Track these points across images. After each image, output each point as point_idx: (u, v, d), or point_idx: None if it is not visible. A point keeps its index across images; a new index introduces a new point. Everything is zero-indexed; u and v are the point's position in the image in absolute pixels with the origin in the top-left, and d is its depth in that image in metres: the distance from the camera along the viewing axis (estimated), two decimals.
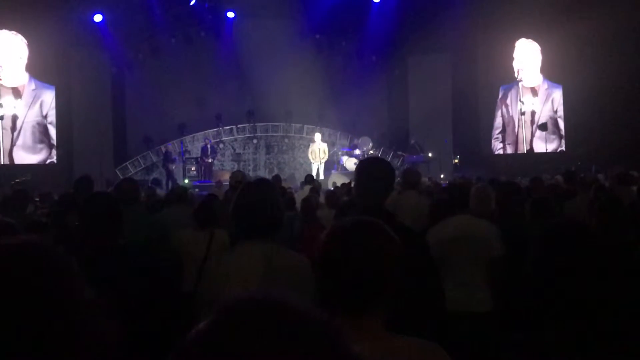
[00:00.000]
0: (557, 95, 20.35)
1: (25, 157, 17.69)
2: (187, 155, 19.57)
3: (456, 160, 19.92)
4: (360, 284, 1.69)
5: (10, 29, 17.30)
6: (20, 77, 17.61)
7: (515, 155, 20.64)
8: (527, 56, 20.67)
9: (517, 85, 20.91)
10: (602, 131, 17.49)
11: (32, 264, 1.34)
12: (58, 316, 1.31)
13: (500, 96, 21.18)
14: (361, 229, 1.77)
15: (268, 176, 17.83)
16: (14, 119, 17.51)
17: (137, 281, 2.86)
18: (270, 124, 21.36)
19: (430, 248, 3.44)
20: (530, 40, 20.43)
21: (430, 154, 19.01)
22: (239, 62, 19.28)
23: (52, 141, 18.20)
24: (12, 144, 17.53)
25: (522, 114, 20.60)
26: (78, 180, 6.02)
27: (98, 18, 18.21)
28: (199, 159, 18.89)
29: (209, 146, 18.97)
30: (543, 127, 19.56)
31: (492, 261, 4.50)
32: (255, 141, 21.54)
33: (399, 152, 20.52)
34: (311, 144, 19.12)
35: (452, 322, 4.48)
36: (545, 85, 20.54)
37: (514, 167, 18.13)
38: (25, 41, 17.48)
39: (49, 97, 18.08)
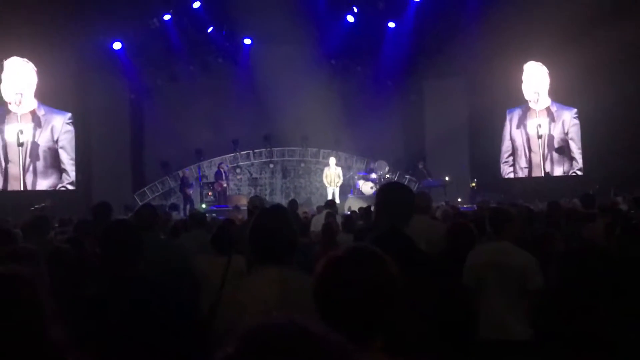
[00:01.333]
0: (567, 117, 20.23)
1: (37, 182, 17.95)
2: (204, 180, 19.68)
3: (473, 184, 19.80)
4: (354, 313, 1.69)
5: (26, 57, 17.59)
6: (32, 103, 17.94)
7: (531, 178, 20.48)
8: (537, 79, 20.61)
9: (527, 108, 20.82)
10: (619, 154, 17.35)
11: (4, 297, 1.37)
12: (18, 350, 1.33)
13: (508, 119, 21.12)
14: (355, 260, 1.77)
15: (285, 200, 17.90)
16: (28, 144, 17.81)
17: (156, 307, 2.88)
18: (287, 148, 21.48)
19: (448, 273, 3.44)
20: (539, 63, 20.39)
21: (447, 178, 18.93)
22: (255, 87, 19.46)
23: (62, 166, 18.40)
24: (25, 170, 17.77)
25: (540, 137, 20.49)
26: (96, 207, 6.09)
27: (117, 46, 18.50)
28: (213, 184, 18.97)
29: (222, 171, 19.09)
30: (560, 150, 19.45)
31: (529, 291, 4.45)
32: (271, 166, 21.64)
33: (406, 176, 20.54)
34: (325, 168, 19.18)
35: (489, 350, 4.44)
36: (555, 108, 20.47)
37: (531, 191, 17.98)
38: (35, 68, 17.79)
39: (59, 122, 18.32)
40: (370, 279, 1.72)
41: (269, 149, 21.36)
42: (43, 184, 18.02)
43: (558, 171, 19.96)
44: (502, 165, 21.11)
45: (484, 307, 4.54)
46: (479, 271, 4.59)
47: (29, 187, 17.72)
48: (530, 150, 20.72)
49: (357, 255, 1.78)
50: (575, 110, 20.02)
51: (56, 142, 18.29)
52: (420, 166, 19.98)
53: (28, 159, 17.77)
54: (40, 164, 18.01)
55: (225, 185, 18.94)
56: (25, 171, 17.77)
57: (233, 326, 2.62)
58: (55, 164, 18.27)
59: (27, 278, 1.44)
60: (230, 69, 20.57)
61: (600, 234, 5.97)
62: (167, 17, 18.74)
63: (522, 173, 20.88)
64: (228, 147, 20.76)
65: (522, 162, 20.91)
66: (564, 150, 19.44)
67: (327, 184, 18.85)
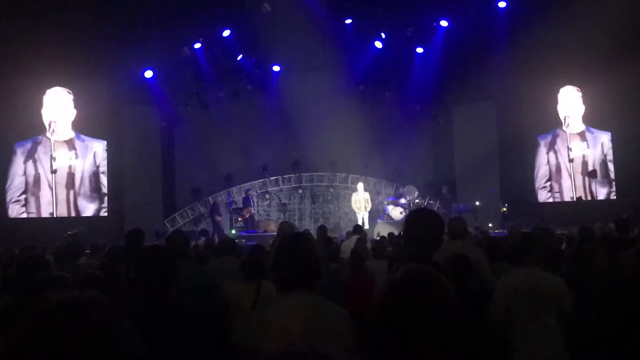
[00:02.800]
0: (605, 139, 20.05)
1: (85, 205, 18.26)
2: (234, 206, 19.78)
3: (504, 209, 19.58)
4: (420, 337, 1.69)
5: (65, 86, 18.01)
6: (69, 132, 18.27)
7: (564, 203, 20.20)
8: (572, 103, 20.46)
9: (562, 132, 20.62)
10: None
11: (82, 320, 1.40)
12: None
13: (542, 144, 20.90)
14: (418, 284, 1.78)
15: (313, 226, 17.87)
16: (71, 171, 18.13)
17: (187, 331, 2.90)
18: (315, 174, 21.53)
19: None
20: (574, 87, 20.25)
21: (477, 203, 18.76)
22: (284, 114, 19.59)
23: (104, 190, 18.71)
24: (76, 195, 18.11)
25: (571, 160, 20.27)
26: (129, 233, 6.15)
27: (149, 74, 18.78)
28: (242, 210, 19.03)
29: (250, 197, 19.19)
30: (592, 174, 19.17)
31: (562, 315, 4.40)
32: (300, 191, 21.70)
33: (431, 202, 20.38)
34: (354, 194, 19.12)
35: None
36: (590, 132, 20.29)
37: (563, 216, 17.71)
38: (74, 98, 18.17)
39: (100, 148, 18.68)
40: (432, 302, 1.72)
41: (297, 175, 21.45)
42: (90, 208, 18.34)
43: (600, 193, 19.75)
44: (539, 191, 20.83)
45: (519, 332, 4.47)
46: (511, 297, 4.52)
47: (73, 213, 18.03)
48: (569, 174, 20.50)
49: (418, 279, 1.79)
50: (609, 133, 19.86)
51: (98, 167, 18.67)
52: (444, 191, 19.86)
53: (74, 185, 18.13)
54: (86, 189, 18.37)
55: (253, 211, 19.03)
56: (76, 196, 18.17)
57: (260, 351, 2.63)
58: (100, 188, 18.63)
59: (103, 300, 1.51)
60: (259, 95, 20.77)
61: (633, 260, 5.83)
62: (197, 45, 19.05)
63: (566, 197, 20.59)
64: (257, 173, 20.91)
65: (563, 186, 20.67)
66: (595, 174, 19.17)
67: (356, 210, 18.78)
